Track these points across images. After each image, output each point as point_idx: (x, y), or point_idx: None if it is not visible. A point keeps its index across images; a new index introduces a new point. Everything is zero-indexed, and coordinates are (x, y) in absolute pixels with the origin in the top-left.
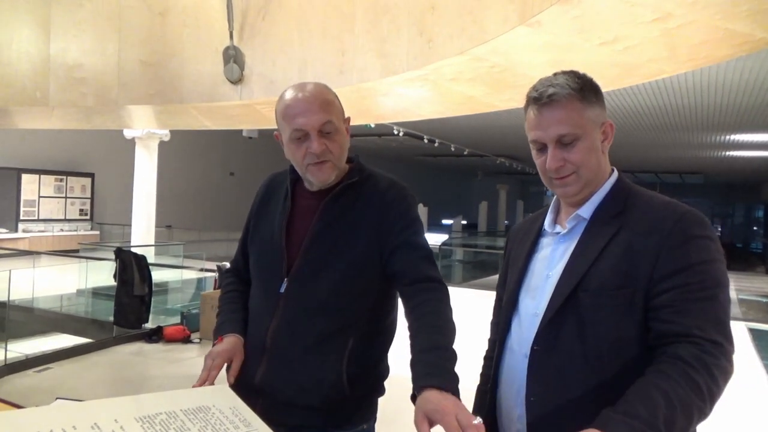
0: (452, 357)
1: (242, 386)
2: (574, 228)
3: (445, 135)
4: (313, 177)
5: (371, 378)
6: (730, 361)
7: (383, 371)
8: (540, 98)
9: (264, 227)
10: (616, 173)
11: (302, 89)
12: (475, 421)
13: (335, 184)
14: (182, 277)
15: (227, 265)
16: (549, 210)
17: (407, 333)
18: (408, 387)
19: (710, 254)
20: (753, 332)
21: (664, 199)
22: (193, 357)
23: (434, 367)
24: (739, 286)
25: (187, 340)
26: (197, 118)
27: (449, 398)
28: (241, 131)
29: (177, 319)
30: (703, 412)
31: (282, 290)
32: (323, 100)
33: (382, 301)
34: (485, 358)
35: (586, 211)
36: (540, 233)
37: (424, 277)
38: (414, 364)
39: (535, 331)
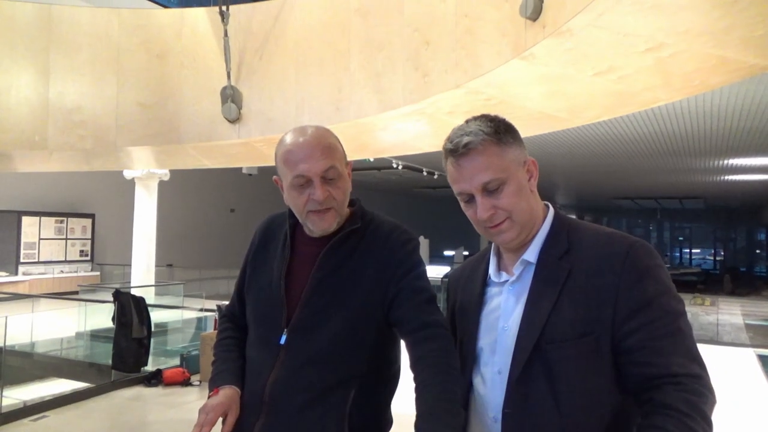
0: (451, 419)
1: None
2: (521, 274)
3: (444, 167)
4: (314, 225)
5: (374, 430)
6: (711, 390)
7: (387, 422)
8: (456, 150)
9: (262, 274)
10: (551, 210)
11: (303, 133)
12: None
13: (336, 230)
14: (182, 317)
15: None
16: (490, 256)
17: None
18: None
19: (665, 284)
20: (761, 358)
21: (606, 232)
22: (192, 401)
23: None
24: (745, 311)
25: (186, 382)
26: (196, 158)
27: None
28: (240, 168)
29: (177, 361)
30: None
31: (282, 342)
32: (326, 145)
33: (386, 350)
34: None
35: (531, 254)
36: (486, 282)
37: (426, 323)
38: (418, 426)
39: (502, 391)
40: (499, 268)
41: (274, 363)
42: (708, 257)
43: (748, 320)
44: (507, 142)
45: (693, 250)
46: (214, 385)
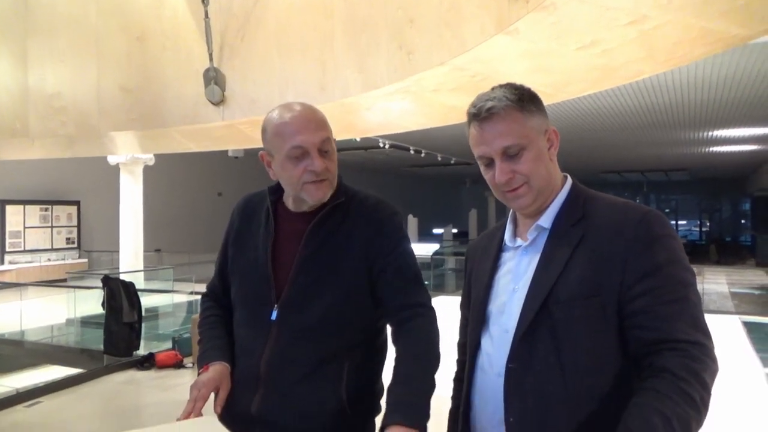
0: (424, 389)
1: (236, 416)
2: (535, 239)
3: (431, 145)
4: (309, 196)
5: (369, 398)
6: (713, 359)
7: (379, 390)
8: (479, 114)
9: (247, 253)
10: (570, 180)
11: (292, 108)
12: None
13: (320, 206)
14: (173, 301)
15: None
16: (507, 223)
17: None
18: None
19: (675, 254)
20: (746, 325)
21: (622, 202)
22: (185, 383)
23: (401, 403)
24: (731, 280)
25: (179, 365)
26: (180, 141)
27: None
28: (226, 151)
29: (169, 345)
30: (700, 423)
31: (273, 318)
32: (320, 119)
33: (375, 321)
34: (455, 380)
35: (546, 220)
36: (501, 248)
37: (410, 303)
38: (386, 398)
39: (508, 348)
40: (515, 234)
41: (267, 339)
42: (694, 228)
43: (734, 288)
44: (529, 110)
45: (679, 222)
46: (203, 362)
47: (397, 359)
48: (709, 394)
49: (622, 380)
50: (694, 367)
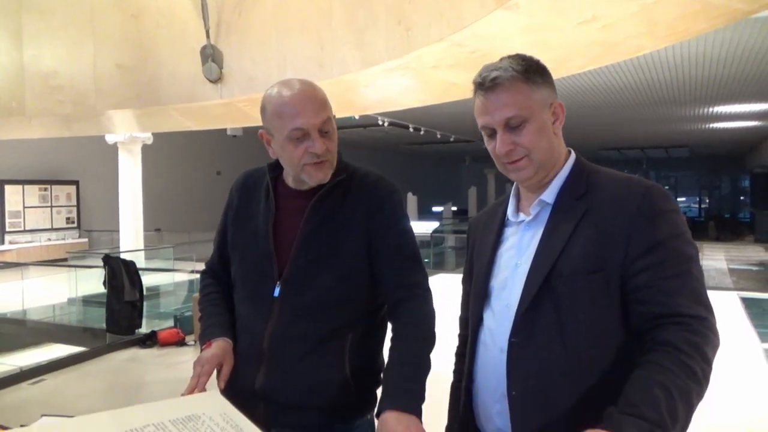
0: (419, 372)
1: (240, 392)
2: (538, 214)
3: (430, 122)
4: (309, 177)
5: (372, 372)
6: (715, 333)
7: (381, 364)
8: (483, 83)
9: (247, 230)
10: (573, 154)
11: (292, 86)
12: None
13: (321, 183)
14: (174, 279)
15: None
16: (510, 198)
17: None
18: None
19: (678, 228)
20: (745, 301)
21: (625, 176)
22: (188, 360)
23: (396, 388)
24: (729, 256)
25: (181, 343)
26: (178, 120)
27: (402, 421)
28: (224, 130)
29: (171, 323)
30: (701, 395)
31: (276, 294)
32: (321, 99)
33: (377, 296)
34: (457, 354)
35: (549, 195)
36: (503, 223)
37: (407, 283)
38: (382, 381)
39: (511, 323)
40: (518, 209)
41: (270, 316)
42: (693, 205)
43: (732, 265)
44: (535, 82)
45: (679, 199)
46: (205, 338)
47: (393, 340)
48: (710, 368)
49: (625, 353)
50: (696, 340)
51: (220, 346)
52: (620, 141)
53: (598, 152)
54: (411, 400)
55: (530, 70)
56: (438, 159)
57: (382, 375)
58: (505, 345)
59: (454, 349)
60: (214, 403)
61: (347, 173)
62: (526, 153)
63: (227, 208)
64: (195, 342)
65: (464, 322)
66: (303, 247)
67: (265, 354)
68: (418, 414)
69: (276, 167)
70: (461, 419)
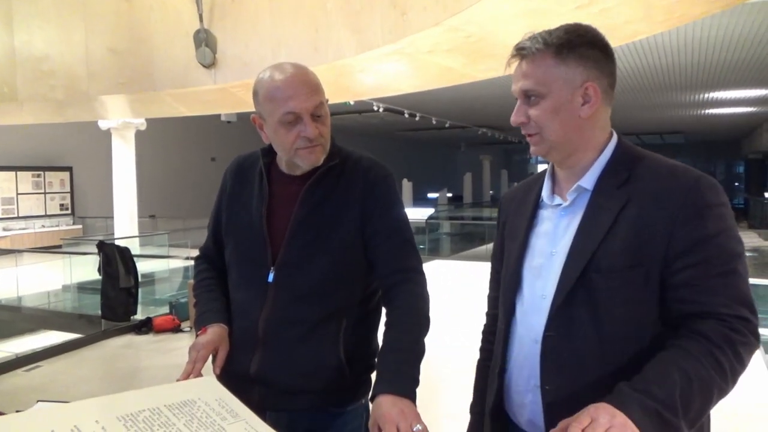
0: (413, 357)
1: (235, 377)
2: (576, 200)
3: (425, 108)
4: (303, 161)
5: (366, 357)
6: (756, 335)
7: (376, 348)
8: (514, 51)
9: (241, 215)
10: (615, 137)
11: (284, 70)
12: (414, 429)
13: (314, 167)
14: (169, 266)
15: None
16: (545, 178)
17: None
18: None
19: (726, 223)
20: None
21: (672, 164)
22: (183, 346)
23: (390, 372)
24: None
25: (177, 329)
26: (172, 105)
27: (397, 405)
28: (219, 116)
29: (166, 309)
30: (724, 392)
31: (270, 279)
32: (314, 82)
33: (371, 281)
34: (484, 332)
35: (588, 181)
36: (538, 204)
37: (401, 267)
38: (376, 365)
39: (545, 315)
40: (554, 191)
41: (264, 300)
42: None
43: None
44: (565, 59)
45: None
46: (201, 324)
47: (387, 324)
48: (742, 368)
49: (660, 347)
50: (733, 337)
51: (215, 331)
52: (615, 127)
53: None
54: (405, 384)
55: (565, 46)
56: (433, 145)
57: (376, 359)
58: (539, 337)
59: (481, 327)
60: (209, 388)
61: (340, 157)
62: (537, 131)
63: (221, 192)
64: (190, 328)
65: (493, 301)
66: (297, 231)
67: (260, 339)
68: (413, 398)
69: (269, 152)
70: (494, 404)
